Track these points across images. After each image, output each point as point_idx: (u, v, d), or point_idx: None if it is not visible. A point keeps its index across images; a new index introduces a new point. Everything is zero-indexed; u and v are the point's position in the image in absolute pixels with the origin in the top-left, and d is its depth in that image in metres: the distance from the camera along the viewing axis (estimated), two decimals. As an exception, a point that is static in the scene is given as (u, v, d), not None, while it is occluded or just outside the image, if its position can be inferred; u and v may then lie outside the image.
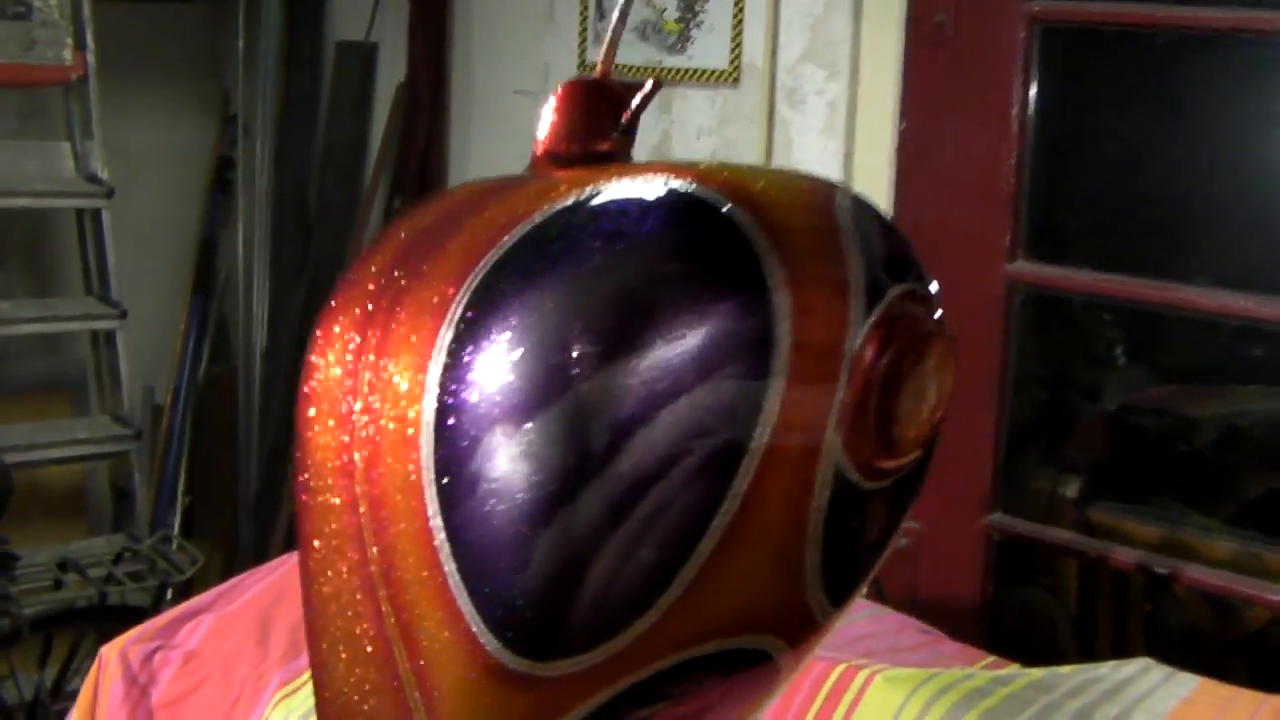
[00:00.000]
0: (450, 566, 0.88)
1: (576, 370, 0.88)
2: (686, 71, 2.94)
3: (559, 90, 1.04)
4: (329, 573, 0.94)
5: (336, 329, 0.97)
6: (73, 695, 3.11)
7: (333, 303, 0.99)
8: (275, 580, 2.02)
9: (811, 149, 2.79)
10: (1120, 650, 2.71)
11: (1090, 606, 2.81)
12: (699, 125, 2.98)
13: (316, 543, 0.95)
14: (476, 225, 0.95)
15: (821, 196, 1.00)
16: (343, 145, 3.90)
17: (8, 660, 3.06)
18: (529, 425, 0.87)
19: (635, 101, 1.03)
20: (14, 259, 3.90)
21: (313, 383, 0.97)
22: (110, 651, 1.95)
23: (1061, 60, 2.54)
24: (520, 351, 0.88)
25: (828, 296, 0.94)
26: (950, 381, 0.99)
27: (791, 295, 0.91)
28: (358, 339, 0.95)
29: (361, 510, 0.92)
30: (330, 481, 0.94)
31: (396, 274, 0.95)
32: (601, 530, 0.88)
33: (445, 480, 0.88)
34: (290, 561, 2.06)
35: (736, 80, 2.89)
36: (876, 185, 2.63)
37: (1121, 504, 2.72)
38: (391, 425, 0.91)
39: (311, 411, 0.97)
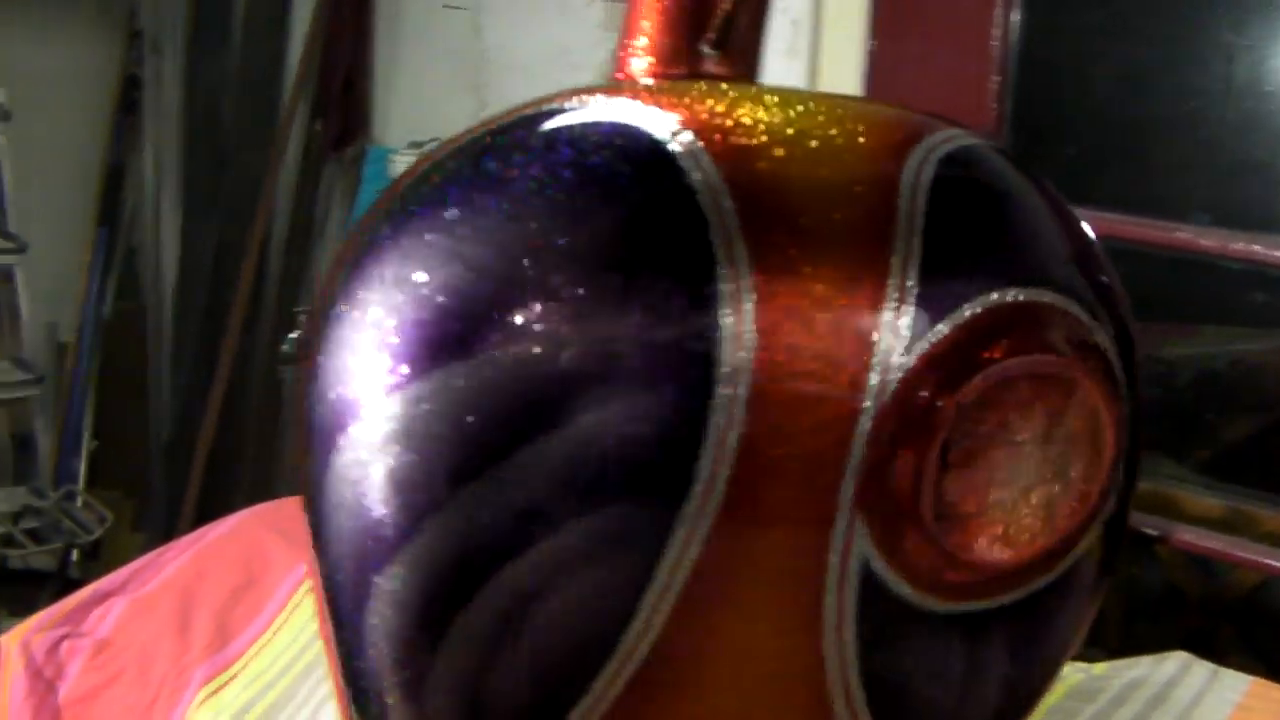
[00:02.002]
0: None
1: (406, 392, 0.66)
2: (636, -13, 2.73)
3: None
4: None
5: None
6: (-29, 666, 2.93)
7: None
8: (195, 556, 1.81)
9: (774, 71, 2.56)
10: (1100, 617, 2.59)
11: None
12: (650, 46, 2.76)
13: None
14: None
15: (886, 149, 0.72)
16: (259, 63, 3.66)
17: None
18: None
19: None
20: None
21: None
22: (10, 642, 1.73)
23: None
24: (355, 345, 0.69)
25: (834, 297, 0.67)
26: (1106, 464, 0.69)
27: (759, 294, 0.66)
28: None
29: None
30: None
31: None
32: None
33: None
34: (211, 535, 1.85)
35: (691, -4, 2.68)
36: (844, 112, 2.43)
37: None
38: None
39: None
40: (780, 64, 2.57)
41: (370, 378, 0.69)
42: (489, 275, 0.67)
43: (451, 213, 0.70)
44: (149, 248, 3.90)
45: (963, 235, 0.71)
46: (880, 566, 0.67)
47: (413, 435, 0.67)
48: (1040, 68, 2.39)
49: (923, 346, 0.66)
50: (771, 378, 0.65)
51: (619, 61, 0.77)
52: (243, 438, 3.56)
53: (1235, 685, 1.50)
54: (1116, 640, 2.44)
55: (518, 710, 0.69)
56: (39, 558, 3.05)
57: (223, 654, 1.63)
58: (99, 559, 3.52)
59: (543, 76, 2.82)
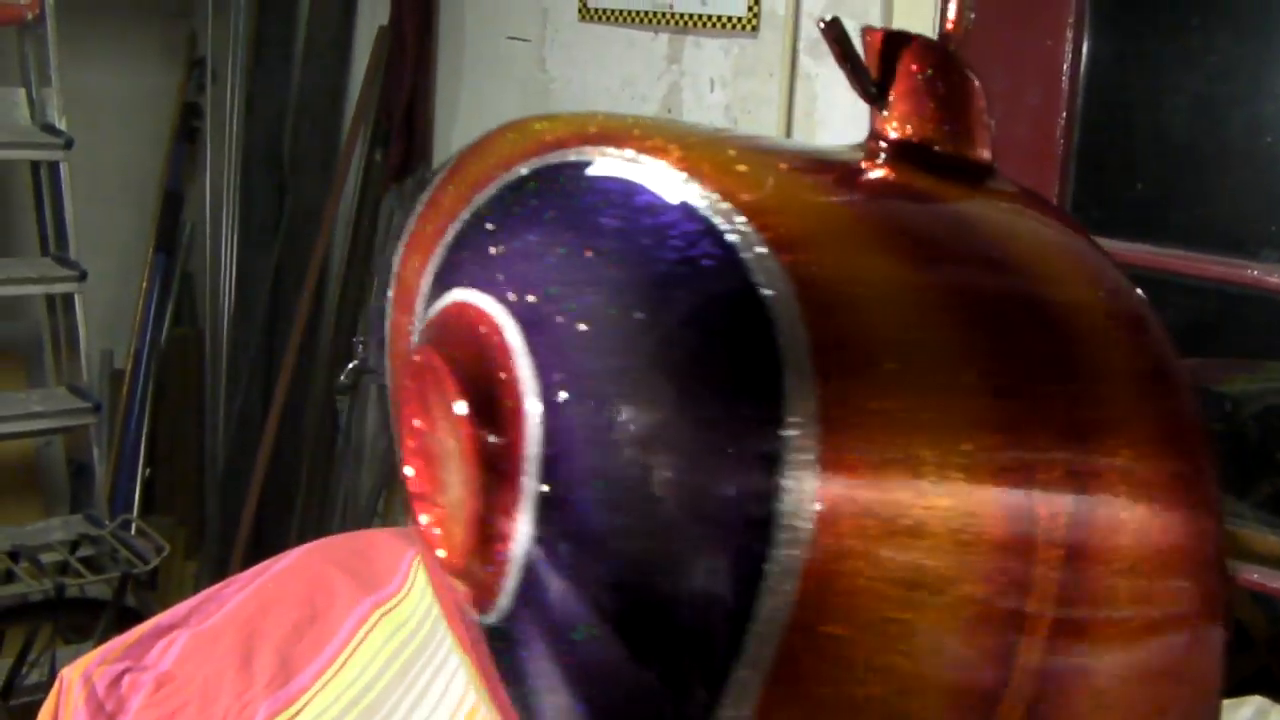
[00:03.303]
0: None
1: None
2: (699, 18, 2.71)
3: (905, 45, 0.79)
4: None
5: None
6: (26, 691, 2.91)
7: None
8: (258, 591, 1.79)
9: (838, 105, 2.57)
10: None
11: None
12: (712, 77, 2.75)
13: None
14: None
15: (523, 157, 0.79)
16: (319, 92, 3.67)
17: (-45, 657, 2.85)
18: None
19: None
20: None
21: None
22: (72, 674, 1.72)
23: (1119, 9, 2.33)
24: None
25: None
26: (476, 491, 0.67)
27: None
28: None
29: None
30: None
31: None
32: None
33: None
34: (274, 569, 1.83)
35: (755, 29, 2.65)
36: (911, 146, 2.40)
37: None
38: None
39: None
40: (844, 97, 2.53)
41: None
42: None
43: None
44: (206, 274, 3.92)
45: (475, 239, 0.75)
46: None
47: None
48: (1109, 101, 2.36)
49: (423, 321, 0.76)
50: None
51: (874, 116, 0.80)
52: (298, 466, 3.55)
53: (1316, 732, 1.47)
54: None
55: None
56: (95, 586, 3.03)
57: (286, 690, 1.61)
58: (155, 588, 3.52)
59: (607, 108, 2.79)
